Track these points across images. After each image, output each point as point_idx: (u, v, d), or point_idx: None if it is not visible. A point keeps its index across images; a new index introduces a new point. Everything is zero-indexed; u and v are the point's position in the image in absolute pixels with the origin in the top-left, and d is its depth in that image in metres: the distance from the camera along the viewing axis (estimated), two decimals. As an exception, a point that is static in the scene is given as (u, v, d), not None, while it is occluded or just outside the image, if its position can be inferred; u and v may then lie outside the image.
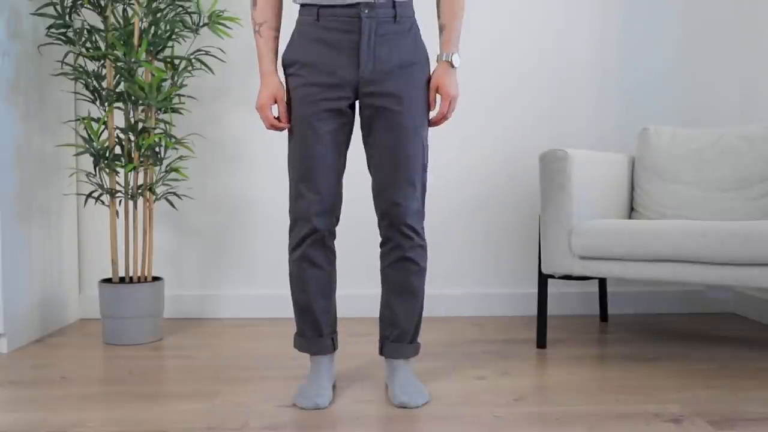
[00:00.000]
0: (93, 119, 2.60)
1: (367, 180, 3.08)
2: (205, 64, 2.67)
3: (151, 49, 2.62)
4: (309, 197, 1.87)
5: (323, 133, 1.86)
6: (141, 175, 2.96)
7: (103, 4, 2.62)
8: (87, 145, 2.56)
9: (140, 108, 2.63)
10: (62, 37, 2.63)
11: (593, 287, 3.16)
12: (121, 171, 3.01)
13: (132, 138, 2.67)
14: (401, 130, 1.86)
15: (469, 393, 2.02)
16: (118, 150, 2.95)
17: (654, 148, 2.75)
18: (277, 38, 1.92)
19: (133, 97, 2.56)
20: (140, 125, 2.71)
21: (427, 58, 1.93)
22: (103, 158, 2.58)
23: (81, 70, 2.60)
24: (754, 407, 1.88)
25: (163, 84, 2.75)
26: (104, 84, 2.98)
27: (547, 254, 2.47)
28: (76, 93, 2.82)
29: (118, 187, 3.03)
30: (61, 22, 2.60)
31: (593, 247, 2.33)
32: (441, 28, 1.93)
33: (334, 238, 1.96)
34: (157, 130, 2.92)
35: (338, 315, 3.10)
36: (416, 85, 1.88)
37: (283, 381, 2.14)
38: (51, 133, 2.81)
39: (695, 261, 2.18)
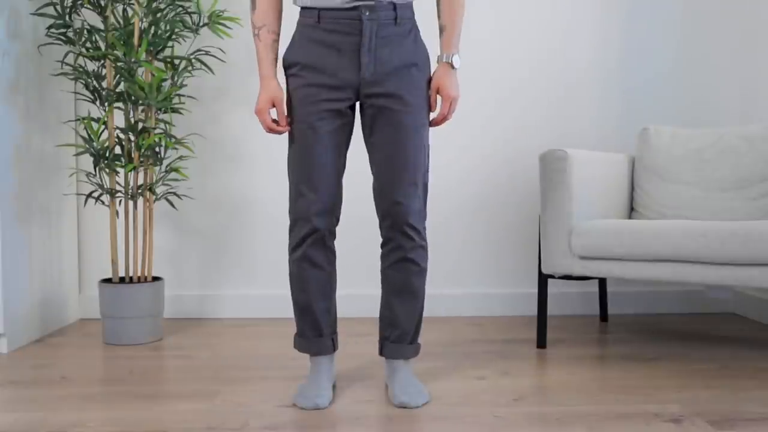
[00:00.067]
0: (93, 119, 2.60)
1: (366, 180, 3.08)
2: (205, 64, 2.67)
3: (151, 49, 2.62)
4: (309, 197, 1.87)
5: (323, 134, 1.86)
6: (141, 175, 2.96)
7: (103, 4, 2.62)
8: (87, 145, 2.56)
9: (140, 108, 2.63)
10: (62, 37, 2.63)
11: (593, 287, 3.17)
12: (121, 171, 3.01)
13: (132, 138, 2.67)
14: (402, 129, 1.86)
15: (469, 393, 2.02)
16: (118, 150, 2.95)
17: (654, 148, 2.75)
18: (276, 42, 1.92)
19: (133, 97, 2.56)
20: (140, 125, 2.71)
21: (428, 59, 1.93)
22: (103, 158, 2.58)
23: (81, 70, 2.60)
24: (754, 407, 1.88)
25: (163, 84, 2.75)
26: (104, 84, 2.98)
27: (547, 254, 2.47)
28: (76, 93, 2.82)
29: (118, 187, 3.03)
30: (61, 22, 2.60)
31: (593, 247, 2.33)
32: (441, 29, 1.93)
33: (335, 238, 1.96)
34: (157, 130, 2.92)
35: (338, 315, 3.10)
36: (417, 86, 1.89)
37: (283, 381, 2.14)
38: (51, 133, 2.81)
39: (695, 261, 2.18)
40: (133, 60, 2.52)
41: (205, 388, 2.08)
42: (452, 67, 1.90)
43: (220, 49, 2.89)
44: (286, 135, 3.09)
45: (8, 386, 2.09)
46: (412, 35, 1.90)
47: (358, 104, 2.29)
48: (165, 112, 2.64)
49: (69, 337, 2.73)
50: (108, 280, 2.69)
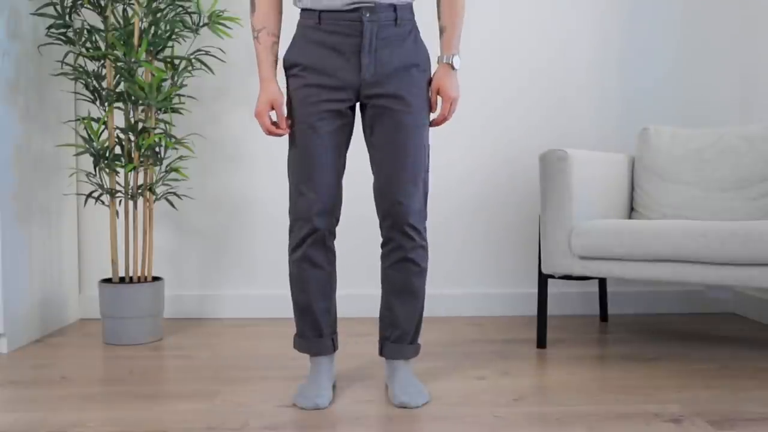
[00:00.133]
0: (93, 119, 2.60)
1: (367, 180, 3.08)
2: (205, 64, 2.67)
3: (151, 49, 2.62)
4: (309, 197, 1.87)
5: (323, 134, 1.86)
6: (141, 175, 2.96)
7: (103, 4, 2.62)
8: (87, 145, 2.56)
9: (140, 108, 2.63)
10: (62, 37, 2.63)
11: (593, 287, 3.17)
12: (121, 171, 3.01)
13: (132, 138, 2.67)
14: (403, 128, 1.86)
15: (469, 393, 2.02)
16: (118, 150, 2.95)
17: (654, 148, 2.75)
18: (276, 44, 1.92)
19: (133, 97, 2.56)
20: (140, 125, 2.71)
21: (428, 60, 1.94)
22: (103, 158, 2.58)
23: (81, 70, 2.60)
24: (754, 407, 1.88)
25: (163, 84, 2.75)
26: (104, 84, 2.98)
27: (547, 254, 2.47)
28: (76, 93, 2.82)
29: (118, 187, 3.03)
30: (61, 22, 2.60)
31: (593, 247, 2.33)
32: (441, 30, 1.93)
33: (334, 238, 1.96)
34: (157, 130, 2.92)
35: (338, 315, 3.10)
36: (418, 86, 1.89)
37: (283, 381, 2.14)
38: (51, 133, 2.81)
39: (695, 261, 2.18)
40: (133, 60, 2.52)
41: (205, 388, 2.08)
42: (452, 67, 1.90)
43: (220, 49, 2.89)
44: (286, 136, 3.09)
45: (8, 386, 2.09)
46: (413, 36, 1.90)
47: (358, 105, 2.29)
48: (165, 112, 2.64)
49: (69, 337, 2.73)
50: (108, 280, 2.69)
